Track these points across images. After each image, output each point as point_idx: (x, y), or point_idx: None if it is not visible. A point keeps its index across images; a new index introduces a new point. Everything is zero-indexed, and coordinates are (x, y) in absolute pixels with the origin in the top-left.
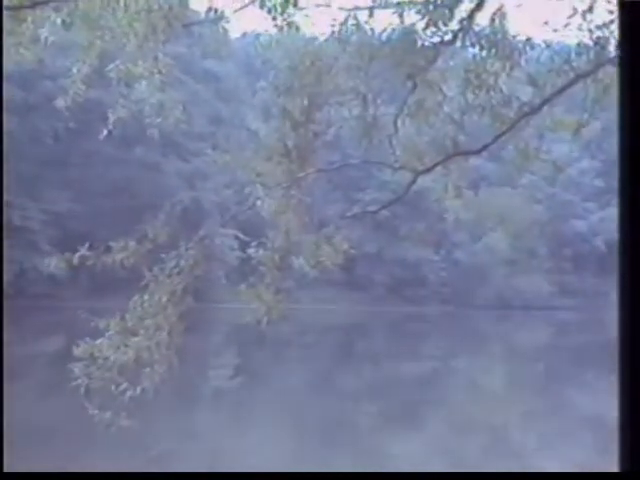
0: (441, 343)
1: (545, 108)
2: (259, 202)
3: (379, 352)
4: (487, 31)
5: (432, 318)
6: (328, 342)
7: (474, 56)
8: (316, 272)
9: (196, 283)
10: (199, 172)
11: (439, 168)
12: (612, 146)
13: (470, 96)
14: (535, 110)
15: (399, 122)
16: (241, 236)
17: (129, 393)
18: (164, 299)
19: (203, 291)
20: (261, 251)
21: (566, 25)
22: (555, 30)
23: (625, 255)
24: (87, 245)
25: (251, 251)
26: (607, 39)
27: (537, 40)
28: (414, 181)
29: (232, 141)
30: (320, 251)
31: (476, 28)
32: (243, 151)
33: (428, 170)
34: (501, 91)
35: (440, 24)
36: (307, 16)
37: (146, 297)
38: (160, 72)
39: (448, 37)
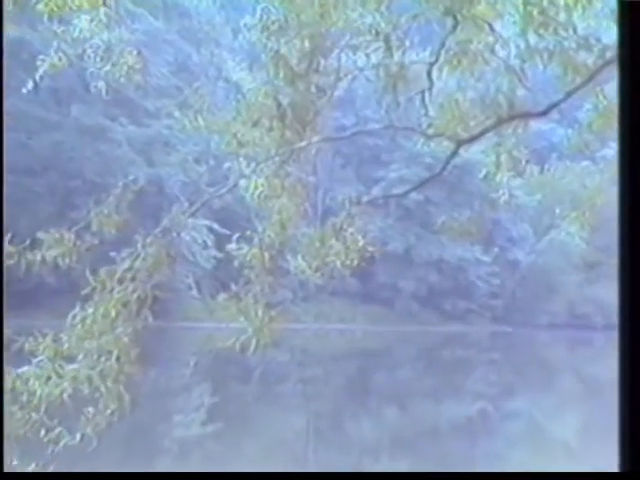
0: (493, 376)
1: None
2: (242, 182)
3: (408, 389)
4: None
5: (480, 341)
6: (338, 375)
7: None
8: (321, 278)
9: (157, 292)
10: (160, 141)
11: (490, 135)
12: None
13: (532, 37)
14: None
15: (434, 72)
16: (218, 228)
17: (65, 441)
18: (112, 313)
19: (166, 304)
20: (245, 249)
21: None
22: None
23: (625, 254)
24: (7, 238)
25: (232, 249)
26: None
27: None
28: (455, 153)
29: (205, 98)
30: (326, 249)
31: None
32: (221, 112)
33: (474, 138)
34: (575, 30)
35: None
36: None
37: (89, 311)
38: (105, 3)
39: None
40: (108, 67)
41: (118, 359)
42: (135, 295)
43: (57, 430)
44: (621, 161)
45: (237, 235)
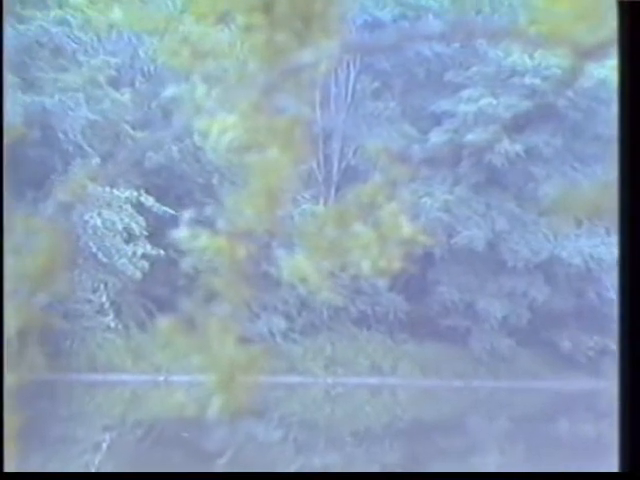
0: None
1: None
2: (199, 122)
3: None
4: None
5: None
6: (367, 467)
7: None
8: (338, 292)
9: (47, 320)
10: (46, 47)
11: None
12: None
13: None
14: None
15: None
16: (153, 204)
17: None
18: None
19: (63, 340)
20: (203, 239)
21: None
22: None
23: (625, 253)
24: None
25: (178, 239)
26: None
27: None
28: (579, 69)
29: None
30: (348, 241)
31: None
32: None
33: (611, 44)
34: None
35: None
36: None
37: None
38: None
39: None
40: None
41: None
42: (10, 324)
43: None
44: (621, 162)
45: (188, 215)
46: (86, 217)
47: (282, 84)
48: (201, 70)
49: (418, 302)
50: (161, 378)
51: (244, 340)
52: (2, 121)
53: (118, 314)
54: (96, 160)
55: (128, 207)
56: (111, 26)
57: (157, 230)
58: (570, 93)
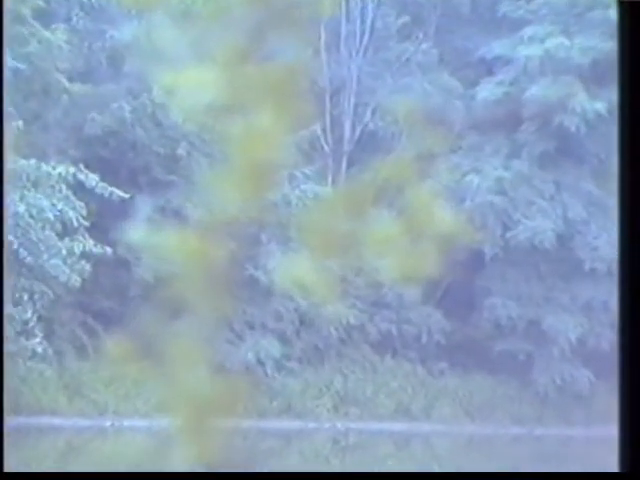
0: None
1: None
2: (160, 75)
3: None
4: None
5: None
6: None
7: None
8: (350, 304)
9: None
10: None
11: None
12: None
13: None
14: None
15: None
16: (97, 184)
17: None
18: None
19: None
20: (170, 233)
21: None
22: None
23: (625, 252)
24: None
25: (133, 231)
26: None
27: None
28: None
29: None
30: (363, 235)
31: None
32: None
33: None
34: None
35: None
36: None
37: None
38: None
39: None
40: None
41: None
42: None
43: None
44: (621, 163)
45: (145, 199)
46: (5, 201)
47: (275, 22)
48: (164, 3)
49: (462, 319)
50: (108, 423)
51: (222, 370)
52: (2, 120)
53: (49, 335)
54: (18, 123)
55: (62, 188)
56: None
57: (102, 220)
58: None
